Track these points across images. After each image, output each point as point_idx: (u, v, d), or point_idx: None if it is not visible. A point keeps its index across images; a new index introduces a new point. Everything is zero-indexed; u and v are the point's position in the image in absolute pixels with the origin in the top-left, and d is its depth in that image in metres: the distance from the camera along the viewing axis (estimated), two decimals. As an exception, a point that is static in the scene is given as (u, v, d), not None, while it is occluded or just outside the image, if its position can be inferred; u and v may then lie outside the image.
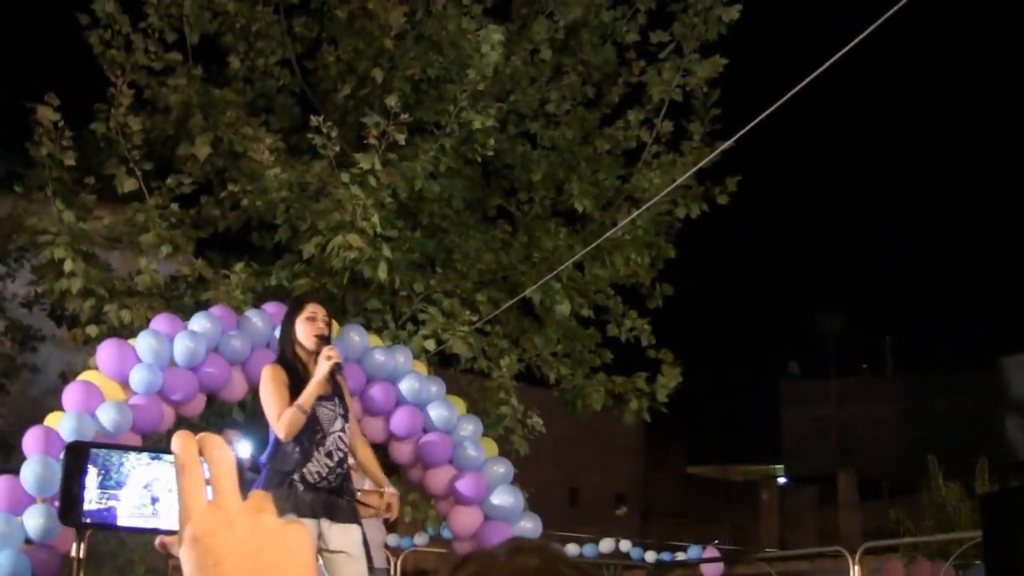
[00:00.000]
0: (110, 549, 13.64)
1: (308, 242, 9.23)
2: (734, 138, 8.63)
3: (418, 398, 7.69)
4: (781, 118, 7.54)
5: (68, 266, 9.19)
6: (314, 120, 9.23)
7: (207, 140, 10.00)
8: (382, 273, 9.09)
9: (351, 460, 6.17)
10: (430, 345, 9.59)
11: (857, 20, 6.56)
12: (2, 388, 13.81)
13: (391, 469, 8.04)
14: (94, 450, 1.19)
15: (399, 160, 9.51)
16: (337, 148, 9.38)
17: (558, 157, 11.04)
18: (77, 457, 1.18)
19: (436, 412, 7.70)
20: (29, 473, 6.43)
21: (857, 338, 43.55)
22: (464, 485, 7.47)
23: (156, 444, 7.87)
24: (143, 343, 7.07)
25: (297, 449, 5.73)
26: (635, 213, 10.14)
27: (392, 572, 14.13)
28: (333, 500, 5.81)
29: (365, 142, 9.34)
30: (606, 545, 18.74)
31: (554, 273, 10.15)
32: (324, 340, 5.99)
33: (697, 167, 9.76)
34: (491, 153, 10.37)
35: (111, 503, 1.17)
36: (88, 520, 1.17)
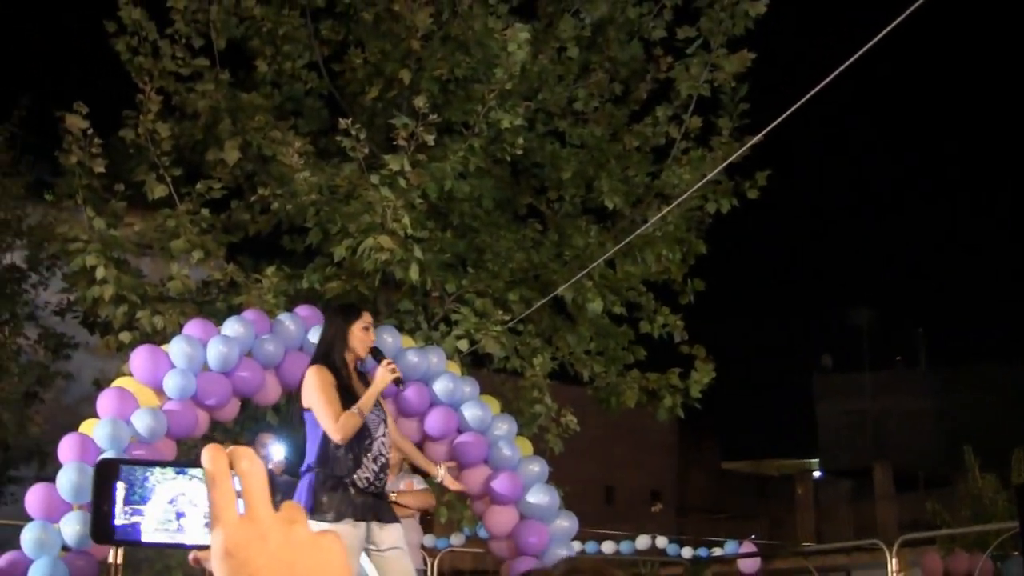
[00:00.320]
0: (147, 555, 13.70)
1: (339, 245, 9.24)
2: (763, 132, 8.57)
3: (452, 398, 7.69)
4: (810, 111, 7.49)
5: (100, 273, 9.22)
6: (342, 123, 9.25)
7: (236, 145, 10.03)
8: (414, 274, 9.09)
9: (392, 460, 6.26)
10: (463, 345, 9.59)
11: (885, 11, 6.49)
12: (36, 396, 13.93)
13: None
14: (124, 466, 1.17)
15: (428, 161, 9.51)
16: (366, 150, 9.40)
17: (587, 155, 11.03)
18: (108, 475, 1.16)
19: (470, 412, 7.69)
20: (65, 480, 6.45)
21: (890, 331, 43.45)
22: (499, 484, 7.47)
23: (191, 449, 7.91)
24: (176, 348, 7.08)
25: (349, 455, 5.74)
26: (666, 209, 10.10)
27: (429, 573, 14.14)
28: (379, 503, 5.87)
29: (394, 144, 9.36)
30: (642, 542, 18.78)
31: (586, 271, 10.12)
32: (376, 351, 6.04)
33: (727, 162, 9.70)
34: (520, 152, 10.38)
35: (135, 519, 1.15)
36: (118, 537, 1.15)
